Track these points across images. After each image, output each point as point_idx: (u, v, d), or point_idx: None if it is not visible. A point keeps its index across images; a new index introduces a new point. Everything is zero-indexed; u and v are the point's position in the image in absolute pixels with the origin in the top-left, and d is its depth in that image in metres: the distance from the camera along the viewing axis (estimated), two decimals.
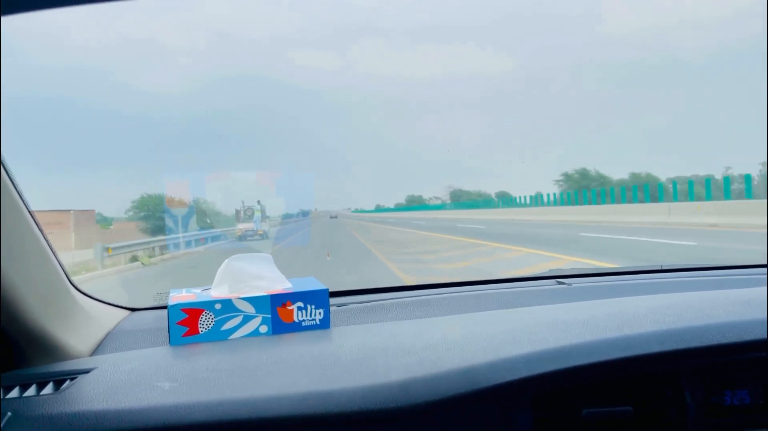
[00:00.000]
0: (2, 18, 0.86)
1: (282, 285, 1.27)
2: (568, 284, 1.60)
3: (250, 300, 1.18)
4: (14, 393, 0.93)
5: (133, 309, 1.42)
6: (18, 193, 0.97)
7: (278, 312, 1.20)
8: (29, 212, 1.01)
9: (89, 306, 1.24)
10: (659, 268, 1.79)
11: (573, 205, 24.35)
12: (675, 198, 17.93)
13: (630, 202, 19.55)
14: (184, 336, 1.15)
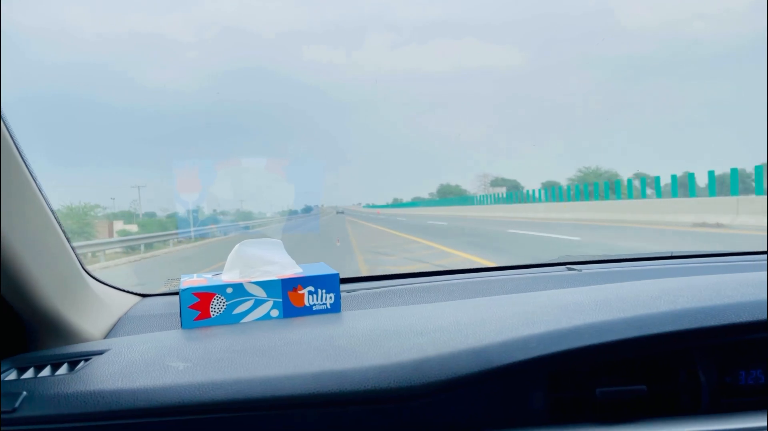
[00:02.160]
0: None
1: (293, 270, 1.27)
2: (578, 270, 1.60)
3: (261, 284, 1.19)
4: (29, 373, 0.94)
5: (144, 295, 1.43)
6: (35, 182, 0.98)
7: (289, 297, 1.20)
8: (45, 200, 1.02)
9: (102, 291, 1.25)
10: (669, 254, 1.78)
11: None
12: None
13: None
14: (195, 319, 1.16)
